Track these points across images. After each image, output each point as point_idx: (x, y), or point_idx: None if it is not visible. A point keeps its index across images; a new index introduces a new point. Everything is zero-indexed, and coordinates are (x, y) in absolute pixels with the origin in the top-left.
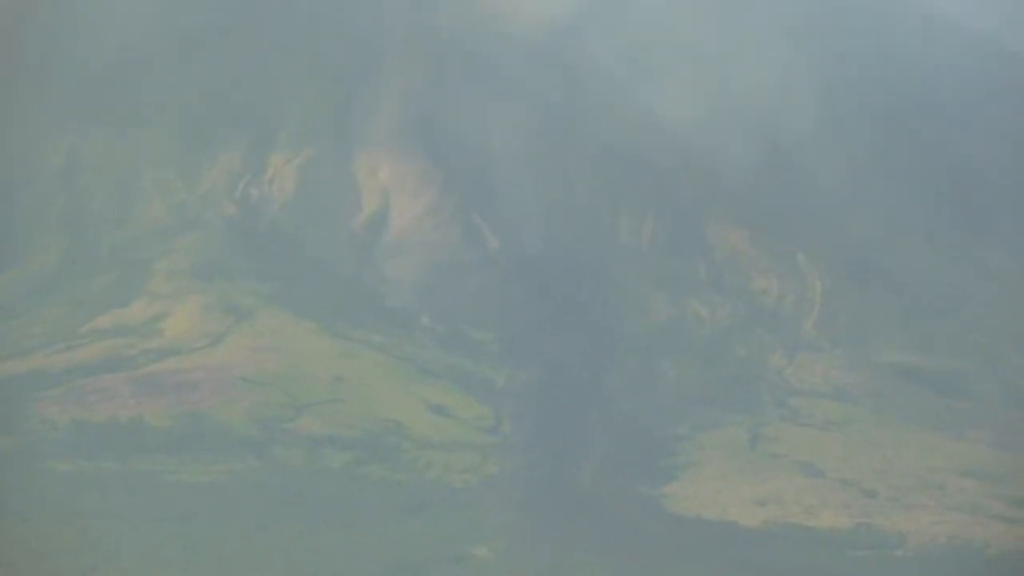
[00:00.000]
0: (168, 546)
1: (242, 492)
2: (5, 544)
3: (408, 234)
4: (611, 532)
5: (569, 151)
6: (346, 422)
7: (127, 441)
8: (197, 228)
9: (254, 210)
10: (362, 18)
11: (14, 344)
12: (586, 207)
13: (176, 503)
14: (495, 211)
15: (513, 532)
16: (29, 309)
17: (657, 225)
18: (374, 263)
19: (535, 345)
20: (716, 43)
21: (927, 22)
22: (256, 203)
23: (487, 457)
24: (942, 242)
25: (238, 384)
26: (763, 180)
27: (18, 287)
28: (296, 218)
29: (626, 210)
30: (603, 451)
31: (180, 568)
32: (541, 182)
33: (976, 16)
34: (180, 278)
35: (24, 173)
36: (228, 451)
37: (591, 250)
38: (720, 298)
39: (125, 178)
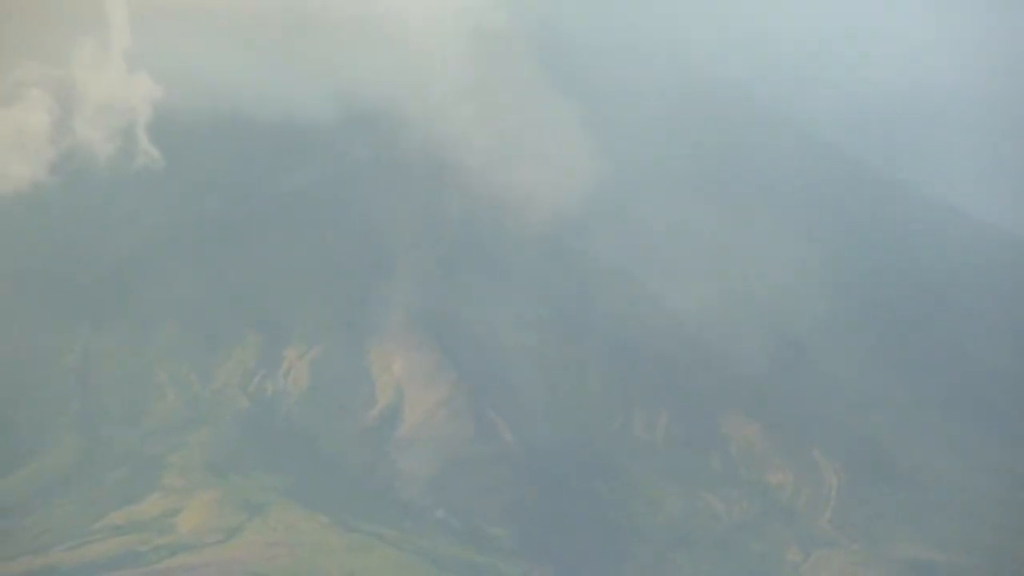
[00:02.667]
0: None
1: None
2: None
3: (422, 427)
4: None
5: (582, 345)
6: None
7: None
8: (211, 423)
9: (268, 404)
10: (374, 213)
11: (30, 540)
12: (600, 401)
13: None
14: (509, 405)
15: None
16: (44, 505)
17: (671, 419)
18: (388, 456)
19: (549, 540)
20: (728, 238)
21: (947, 216)
22: (270, 397)
23: None
24: (957, 437)
25: None
26: (777, 374)
27: (33, 484)
28: (310, 412)
29: (640, 404)
30: None
31: None
32: (554, 376)
33: (996, 212)
34: (194, 473)
35: (39, 371)
36: None
37: (605, 444)
38: (735, 492)
39: (139, 374)
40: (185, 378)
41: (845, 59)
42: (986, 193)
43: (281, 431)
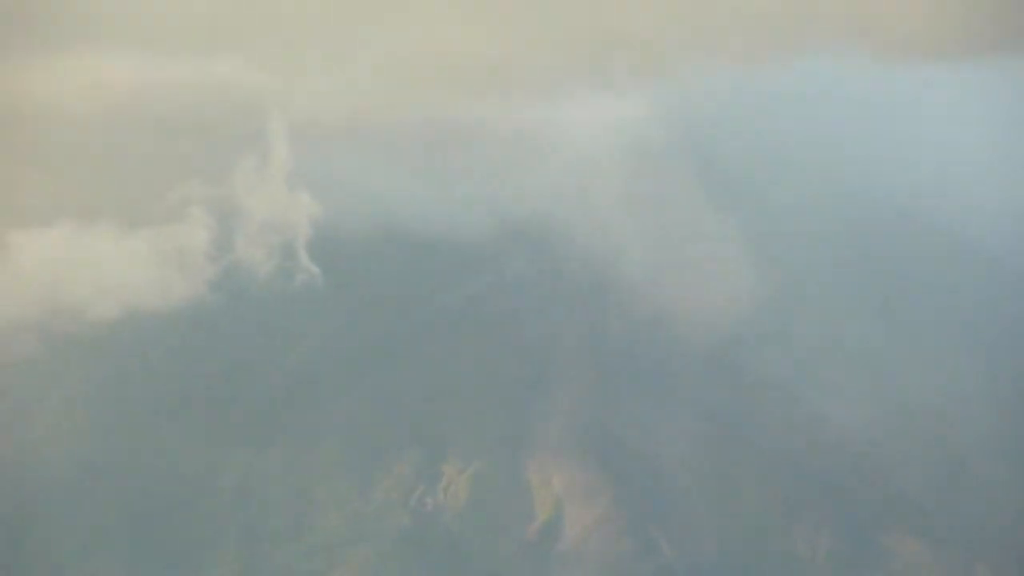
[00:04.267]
0: None
1: None
2: None
3: (582, 543)
4: None
5: (743, 461)
6: None
7: None
8: (371, 539)
9: (428, 520)
10: (534, 328)
11: None
12: (761, 519)
13: None
14: (669, 521)
15: None
16: None
17: (833, 537)
18: (548, 574)
19: None
20: (889, 353)
21: None
22: (430, 513)
23: None
24: None
25: None
26: (940, 489)
27: None
28: (470, 528)
29: (801, 521)
30: None
31: None
32: (715, 493)
33: None
34: None
35: (200, 490)
36: None
37: (767, 563)
38: None
39: (299, 492)
40: (345, 495)
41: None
42: None
43: (441, 547)
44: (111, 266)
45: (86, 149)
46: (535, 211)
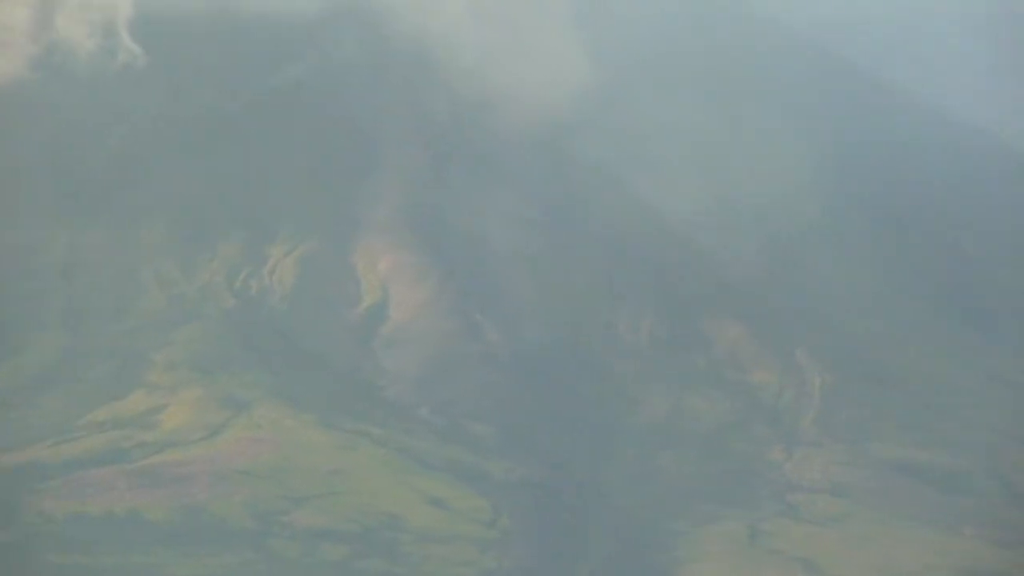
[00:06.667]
0: None
1: None
2: None
3: (407, 326)
4: None
5: (569, 245)
6: (344, 515)
7: (124, 534)
8: (196, 320)
9: (253, 302)
10: (362, 111)
11: (12, 436)
12: (586, 302)
13: None
14: (494, 304)
15: None
16: (27, 401)
17: (656, 319)
18: (373, 355)
19: (533, 439)
20: (719, 140)
21: (936, 120)
22: (255, 295)
23: (485, 551)
24: (942, 339)
25: (235, 477)
26: (763, 274)
27: (16, 379)
28: (295, 310)
29: (626, 305)
30: (601, 545)
31: None
32: (540, 276)
33: (984, 114)
34: (179, 370)
35: (23, 266)
36: (225, 544)
37: (590, 345)
38: (719, 392)
39: (124, 271)
40: (169, 276)
41: None
42: (980, 97)
43: (266, 329)
44: None
45: None
46: None
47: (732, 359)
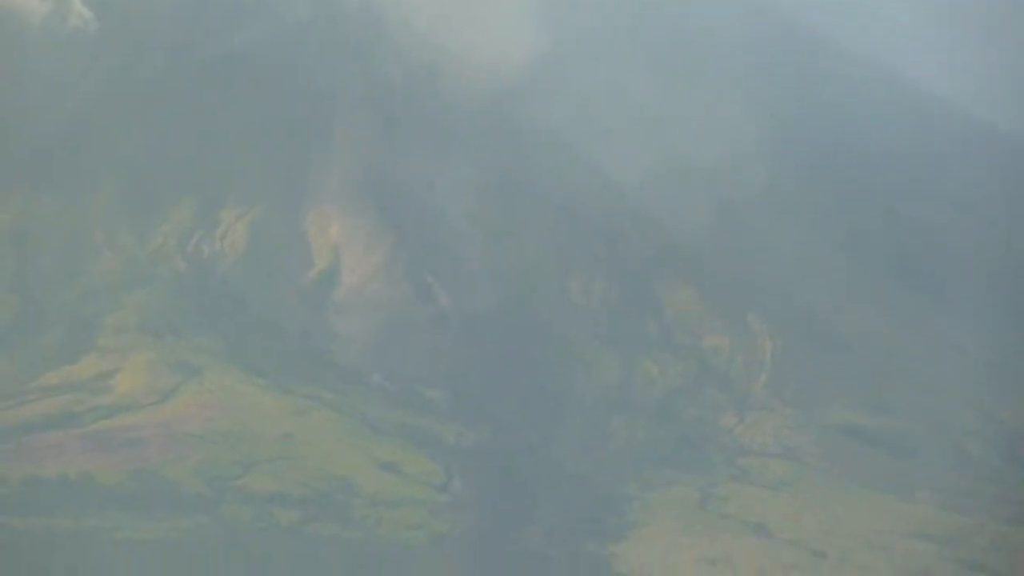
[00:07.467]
0: None
1: (191, 549)
2: None
3: (359, 291)
4: None
5: (520, 211)
6: (296, 479)
7: (78, 498)
8: (147, 284)
9: (205, 266)
10: (314, 76)
11: None
12: (537, 266)
13: (126, 561)
14: (446, 269)
15: None
16: None
17: (608, 284)
18: (325, 320)
19: (485, 403)
20: (668, 104)
21: (885, 85)
22: (207, 259)
23: (437, 514)
24: (892, 303)
25: (187, 441)
26: (714, 239)
27: None
28: (247, 274)
29: (577, 269)
30: (552, 510)
31: None
32: (492, 241)
33: (933, 80)
34: (130, 334)
35: None
36: (177, 508)
37: (542, 309)
38: (670, 357)
39: (76, 235)
40: (121, 239)
41: None
42: (930, 60)
43: (217, 293)
44: None
45: None
46: None
47: (683, 324)
